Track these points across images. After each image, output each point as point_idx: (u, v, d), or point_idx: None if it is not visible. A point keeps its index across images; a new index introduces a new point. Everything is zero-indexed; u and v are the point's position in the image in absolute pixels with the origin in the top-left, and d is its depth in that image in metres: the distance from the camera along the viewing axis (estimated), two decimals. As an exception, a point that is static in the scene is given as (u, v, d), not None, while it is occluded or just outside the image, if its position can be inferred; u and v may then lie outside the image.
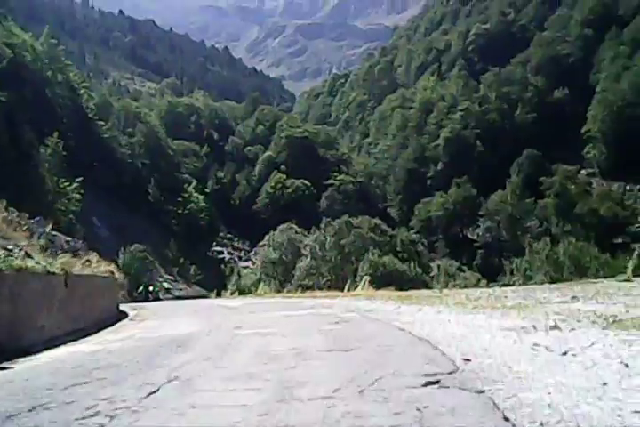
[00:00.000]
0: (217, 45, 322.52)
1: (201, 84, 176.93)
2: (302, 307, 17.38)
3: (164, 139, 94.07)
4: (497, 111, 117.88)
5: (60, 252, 14.83)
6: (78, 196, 55.75)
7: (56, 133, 55.28)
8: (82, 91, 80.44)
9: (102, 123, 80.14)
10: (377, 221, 53.42)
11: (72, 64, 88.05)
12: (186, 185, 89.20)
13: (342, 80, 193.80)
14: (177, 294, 67.82)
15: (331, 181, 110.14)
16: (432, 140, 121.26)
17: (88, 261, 15.79)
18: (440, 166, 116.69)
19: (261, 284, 50.45)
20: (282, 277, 51.72)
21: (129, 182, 79.03)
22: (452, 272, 55.03)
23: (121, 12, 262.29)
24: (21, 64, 65.64)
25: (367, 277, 36.29)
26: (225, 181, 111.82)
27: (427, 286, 39.59)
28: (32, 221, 18.46)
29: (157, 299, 59.55)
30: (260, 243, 56.70)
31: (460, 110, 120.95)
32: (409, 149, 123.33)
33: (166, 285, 69.89)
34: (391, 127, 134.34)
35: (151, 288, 60.97)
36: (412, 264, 43.99)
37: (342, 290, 36.88)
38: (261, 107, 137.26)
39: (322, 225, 50.75)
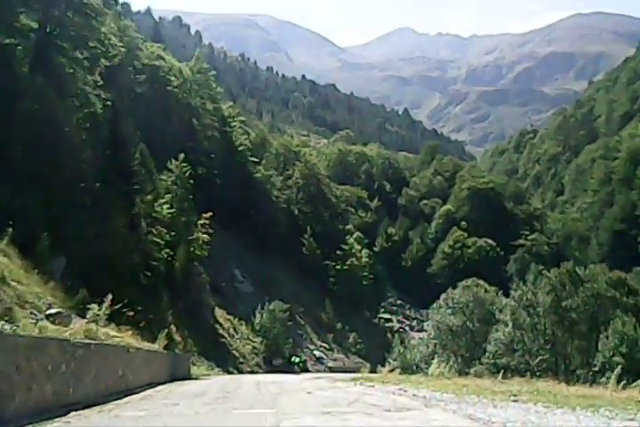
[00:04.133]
0: (397, 109, 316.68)
1: (377, 141, 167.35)
2: None
3: (326, 184, 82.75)
4: None
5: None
6: (205, 237, 44.11)
7: (181, 155, 44.62)
8: (235, 124, 71.18)
9: (256, 160, 70.32)
10: (620, 273, 36.41)
11: (224, 99, 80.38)
12: (348, 237, 76.40)
13: (531, 135, 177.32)
14: (330, 364, 55.98)
15: (521, 242, 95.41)
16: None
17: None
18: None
19: (435, 360, 35.29)
20: (466, 351, 36.30)
21: (282, 231, 67.96)
22: None
23: (303, 76, 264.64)
24: (164, 87, 57.83)
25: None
26: (396, 238, 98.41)
27: None
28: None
29: (305, 370, 47.46)
30: (434, 304, 41.56)
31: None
32: (615, 208, 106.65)
33: (317, 353, 57.37)
34: (592, 181, 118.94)
35: (295, 359, 48.55)
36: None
37: (568, 380, 21.90)
38: (440, 156, 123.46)
39: (529, 278, 35.15)
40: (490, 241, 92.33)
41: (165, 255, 34.71)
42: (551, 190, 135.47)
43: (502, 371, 27.26)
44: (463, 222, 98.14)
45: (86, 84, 35.12)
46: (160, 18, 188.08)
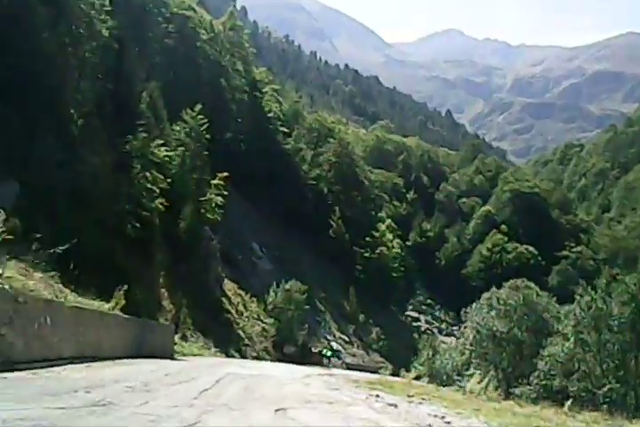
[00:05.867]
0: (440, 110, 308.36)
1: (417, 136, 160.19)
2: None
3: (360, 166, 76.63)
4: None
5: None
6: (219, 199, 38.30)
7: (198, 106, 39.08)
8: (267, 90, 65.53)
9: (286, 130, 64.51)
10: None
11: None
12: (379, 224, 70.30)
13: (577, 149, 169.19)
14: (347, 360, 49.89)
15: (565, 253, 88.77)
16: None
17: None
18: None
19: (473, 372, 28.72)
20: (511, 366, 29.51)
21: (308, 209, 61.95)
22: None
23: (346, 65, 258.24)
24: (193, 40, 52.55)
25: None
26: (431, 234, 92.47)
27: None
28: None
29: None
30: (474, 304, 34.74)
31: None
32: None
33: (334, 345, 51.13)
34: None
35: (326, 352, 42.44)
36: None
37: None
38: (483, 155, 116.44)
39: (600, 281, 28.46)
40: (531, 248, 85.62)
41: (161, 206, 28.72)
42: (597, 205, 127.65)
43: (571, 399, 20.48)
44: (503, 226, 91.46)
45: (92, 8, 29.56)
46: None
